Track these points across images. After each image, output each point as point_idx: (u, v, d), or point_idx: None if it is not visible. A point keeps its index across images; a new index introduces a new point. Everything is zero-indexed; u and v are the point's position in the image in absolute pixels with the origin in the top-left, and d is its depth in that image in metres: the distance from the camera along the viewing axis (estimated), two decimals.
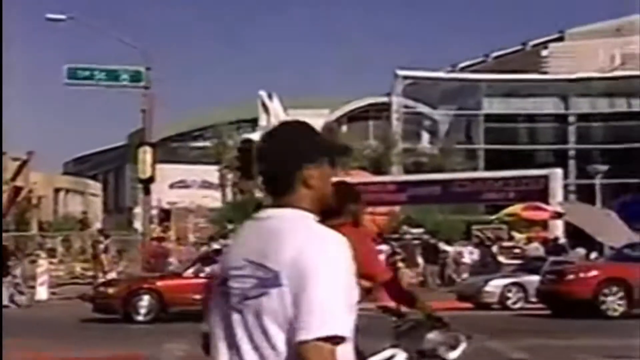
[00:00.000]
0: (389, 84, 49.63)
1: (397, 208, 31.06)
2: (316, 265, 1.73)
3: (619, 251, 17.55)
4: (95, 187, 57.78)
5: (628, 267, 15.50)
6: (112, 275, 20.12)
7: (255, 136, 38.68)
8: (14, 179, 27.60)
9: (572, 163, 46.68)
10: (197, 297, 14.67)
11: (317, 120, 45.02)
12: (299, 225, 1.82)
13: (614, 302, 15.07)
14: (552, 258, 18.76)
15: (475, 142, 48.86)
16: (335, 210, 1.87)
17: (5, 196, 24.96)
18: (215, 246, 21.05)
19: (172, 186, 46.08)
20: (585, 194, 34.55)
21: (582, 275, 15.81)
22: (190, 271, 15.59)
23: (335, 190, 1.98)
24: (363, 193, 4.26)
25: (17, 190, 27.69)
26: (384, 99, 49.17)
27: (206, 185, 47.45)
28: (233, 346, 1.82)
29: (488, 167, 42.44)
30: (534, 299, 16.98)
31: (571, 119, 49.34)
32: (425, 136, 49.04)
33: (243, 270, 1.83)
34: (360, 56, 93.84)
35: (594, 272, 15.91)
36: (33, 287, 19.33)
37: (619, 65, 48.83)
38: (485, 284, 17.95)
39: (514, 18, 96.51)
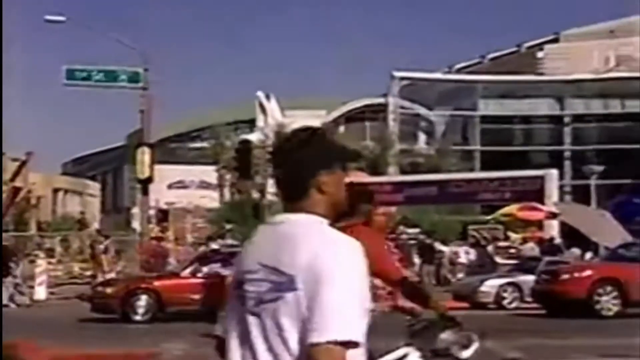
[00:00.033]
0: (385, 85, 49.82)
1: (393, 208, 31.11)
2: (331, 270, 1.75)
3: (614, 251, 17.60)
4: (94, 187, 57.88)
5: (622, 267, 15.57)
6: (111, 275, 20.19)
7: (253, 137, 38.87)
8: (13, 179, 27.61)
9: (567, 164, 46.86)
10: (195, 296, 14.83)
11: (315, 121, 45.15)
12: (313, 230, 1.85)
13: (608, 302, 15.12)
14: (547, 258, 18.85)
15: (471, 143, 49.04)
16: (348, 210, 1.94)
17: (4, 196, 24.99)
18: (213, 246, 21.14)
19: (170, 186, 46.18)
20: (581, 195, 34.76)
21: (576, 275, 15.87)
22: (187, 271, 15.65)
23: (348, 190, 1.99)
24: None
25: (16, 190, 27.73)
26: (381, 100, 49.31)
27: (204, 185, 47.53)
28: (248, 348, 1.84)
29: (484, 168, 42.59)
30: (529, 299, 17.05)
31: (566, 120, 49.55)
32: (422, 137, 49.19)
33: (258, 274, 1.85)
34: (357, 57, 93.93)
35: (588, 272, 15.99)
36: (32, 287, 19.37)
37: (613, 67, 49.04)
38: (481, 284, 18.03)
39: (510, 20, 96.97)
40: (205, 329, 13.00)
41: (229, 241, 26.18)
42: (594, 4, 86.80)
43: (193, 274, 15.38)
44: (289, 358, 1.79)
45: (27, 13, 67.34)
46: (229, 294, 1.95)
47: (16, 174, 28.04)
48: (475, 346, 4.01)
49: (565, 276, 15.80)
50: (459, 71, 54.44)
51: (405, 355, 3.93)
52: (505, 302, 17.51)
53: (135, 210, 32.55)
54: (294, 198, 1.92)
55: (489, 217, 28.24)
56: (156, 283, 15.35)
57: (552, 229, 25.62)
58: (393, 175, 38.22)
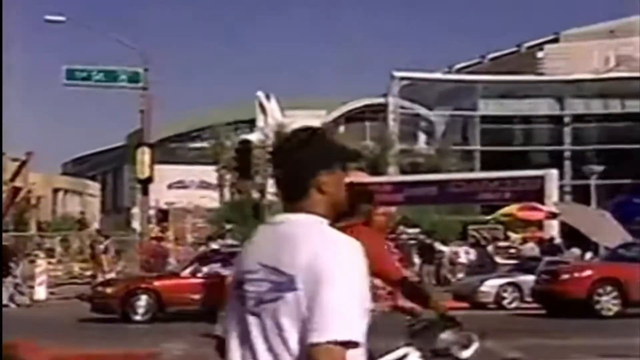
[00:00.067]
0: (385, 85, 49.86)
1: (393, 208, 31.12)
2: (331, 270, 1.76)
3: (614, 251, 17.63)
4: (94, 187, 57.97)
5: (622, 267, 15.60)
6: (111, 275, 20.21)
7: (253, 137, 38.90)
8: (13, 179, 27.63)
9: (567, 164, 46.89)
10: (195, 296, 14.84)
11: (315, 121, 45.19)
12: (313, 230, 1.85)
13: (608, 302, 15.15)
14: (547, 258, 18.88)
15: (471, 143, 49.07)
16: (348, 210, 1.93)
17: (4, 197, 25.00)
18: (214, 246, 21.15)
19: (170, 186, 46.25)
20: (581, 195, 34.78)
21: (576, 275, 15.90)
22: (187, 271, 15.67)
23: (348, 190, 1.99)
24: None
25: (16, 190, 27.75)
26: (381, 100, 49.35)
27: (204, 185, 47.59)
28: (248, 348, 1.84)
29: (484, 168, 42.62)
30: (529, 299, 17.07)
31: (566, 120, 49.59)
32: (422, 137, 49.22)
33: (258, 274, 1.86)
34: (357, 57, 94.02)
35: (588, 272, 16.01)
36: (32, 287, 19.39)
37: (613, 67, 49.08)
38: (481, 284, 18.04)
39: (510, 20, 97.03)
40: (205, 329, 13.01)
41: (229, 241, 26.21)
42: (594, 4, 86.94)
43: (193, 274, 15.41)
44: (289, 358, 1.79)
45: (27, 13, 67.40)
46: (229, 293, 1.95)
47: (16, 174, 28.05)
48: (475, 346, 4.01)
49: (565, 276, 15.83)
50: (459, 71, 54.48)
51: (405, 355, 3.93)
52: (505, 302, 17.53)
53: (135, 210, 32.57)
54: (294, 198, 1.92)
55: (489, 217, 28.26)
56: (156, 283, 15.37)
57: (552, 229, 25.63)
58: (393, 175, 38.23)
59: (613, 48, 49.27)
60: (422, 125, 49.73)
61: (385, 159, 42.06)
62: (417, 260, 24.33)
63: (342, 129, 47.73)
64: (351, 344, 1.73)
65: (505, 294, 17.63)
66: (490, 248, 25.66)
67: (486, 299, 17.66)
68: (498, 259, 24.25)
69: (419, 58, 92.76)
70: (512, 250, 26.25)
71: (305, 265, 1.78)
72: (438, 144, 46.58)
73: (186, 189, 48.52)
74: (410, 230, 28.16)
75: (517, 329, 13.19)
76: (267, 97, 47.30)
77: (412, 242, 25.77)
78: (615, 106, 49.09)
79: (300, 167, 1.92)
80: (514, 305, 17.40)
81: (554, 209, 23.98)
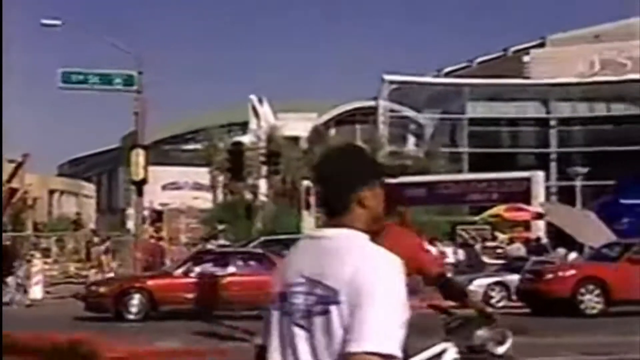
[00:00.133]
0: (375, 88, 50.28)
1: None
2: (372, 284, 1.80)
3: (597, 251, 17.91)
4: (89, 188, 58.04)
5: (605, 267, 15.86)
6: (111, 275, 20.37)
7: (246, 139, 39.20)
8: (9, 180, 27.74)
9: (553, 165, 47.43)
10: (187, 295, 15.11)
11: (306, 123, 45.63)
12: (354, 245, 1.89)
13: (592, 301, 15.30)
14: (534, 258, 19.15)
15: (459, 145, 49.53)
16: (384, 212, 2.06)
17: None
18: (209, 246, 21.40)
19: (164, 188, 46.40)
20: (566, 196, 35.29)
21: (560, 274, 16.08)
22: (180, 270, 15.76)
23: (384, 192, 2.05)
24: None
25: (13, 191, 27.86)
26: (371, 103, 49.75)
27: (197, 186, 47.80)
28: (293, 359, 1.88)
29: (472, 170, 43.12)
30: (515, 298, 17.45)
31: (552, 122, 50.12)
32: (411, 139, 49.62)
33: (302, 287, 1.89)
34: (348, 61, 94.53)
35: (572, 272, 16.18)
36: (23, 286, 19.49)
37: (598, 71, 49.63)
38: (469, 283, 18.35)
39: (497, 25, 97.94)
40: (198, 327, 13.31)
41: (222, 241, 26.55)
42: (580, 9, 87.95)
43: (185, 274, 15.49)
44: None
45: (25, 15, 67.19)
46: (271, 305, 1.98)
47: (13, 175, 28.16)
48: (509, 342, 4.21)
49: (550, 275, 16.02)
50: (447, 75, 54.93)
51: (444, 351, 4.04)
52: (493, 301, 17.77)
53: (130, 211, 32.72)
54: (335, 213, 1.97)
55: (476, 218, 28.70)
56: (149, 282, 15.45)
57: (539, 229, 26.11)
58: None
59: (598, 52, 49.82)
60: (412, 127, 50.14)
61: None
62: None
63: (332, 131, 48.12)
64: (388, 357, 1.76)
65: (493, 293, 17.82)
66: (478, 248, 25.95)
67: (474, 298, 17.98)
68: (486, 259, 24.46)
69: (408, 62, 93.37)
70: (500, 250, 26.52)
71: (348, 279, 1.82)
72: (427, 146, 47.01)
73: (180, 190, 48.71)
74: None
75: (504, 328, 13.47)
76: (260, 101, 47.62)
77: None
78: (600, 109, 49.63)
79: (342, 183, 1.96)
80: (501, 304, 17.57)
81: (540, 210, 24.49)
